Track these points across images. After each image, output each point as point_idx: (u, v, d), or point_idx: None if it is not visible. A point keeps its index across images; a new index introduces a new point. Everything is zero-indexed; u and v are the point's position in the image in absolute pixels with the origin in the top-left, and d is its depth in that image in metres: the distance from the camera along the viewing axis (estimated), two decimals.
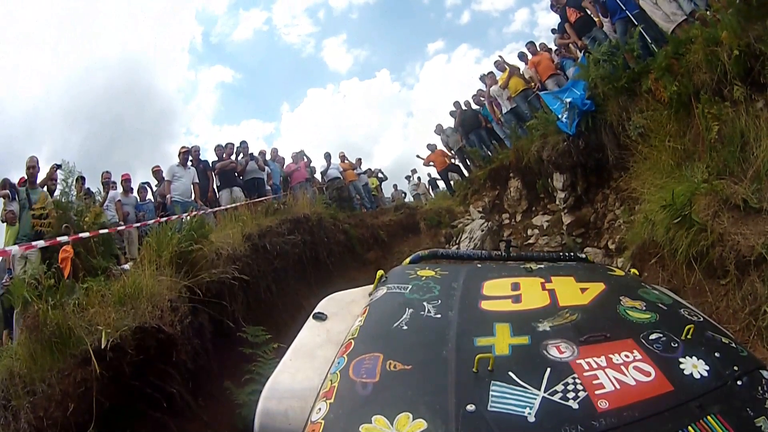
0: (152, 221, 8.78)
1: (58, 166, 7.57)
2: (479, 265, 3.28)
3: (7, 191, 7.27)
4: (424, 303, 2.28)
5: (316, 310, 2.64)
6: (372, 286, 2.76)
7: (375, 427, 1.47)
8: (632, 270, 3.39)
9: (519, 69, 10.62)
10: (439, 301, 2.29)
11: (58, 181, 7.46)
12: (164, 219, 8.42)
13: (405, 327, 2.07)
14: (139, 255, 5.79)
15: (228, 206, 9.42)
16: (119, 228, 7.80)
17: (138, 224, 8.52)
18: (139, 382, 4.24)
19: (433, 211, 12.34)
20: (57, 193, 7.36)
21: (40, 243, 5.74)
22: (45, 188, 7.47)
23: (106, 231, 6.58)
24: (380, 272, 2.82)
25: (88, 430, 3.73)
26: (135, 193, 9.99)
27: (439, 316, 2.15)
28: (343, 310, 2.65)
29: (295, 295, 7.79)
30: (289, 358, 2.26)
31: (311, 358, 2.20)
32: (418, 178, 18.13)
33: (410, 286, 2.51)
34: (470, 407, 1.50)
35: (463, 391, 1.58)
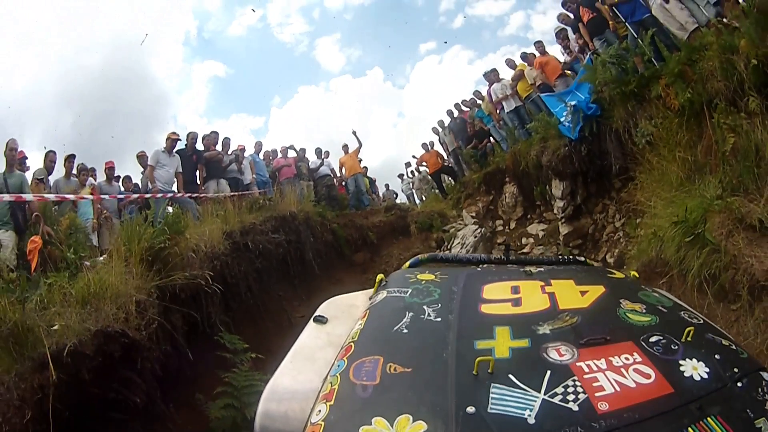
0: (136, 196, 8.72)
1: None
2: (479, 269, 3.28)
3: None
4: (425, 307, 2.28)
5: (316, 313, 2.65)
6: (372, 290, 2.75)
7: (375, 429, 1.47)
8: (632, 273, 3.33)
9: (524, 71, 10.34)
10: (439, 305, 2.29)
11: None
12: (148, 195, 8.24)
13: (405, 330, 2.08)
14: (107, 250, 5.42)
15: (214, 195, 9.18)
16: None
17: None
18: (101, 389, 3.94)
19: (424, 214, 12.05)
20: None
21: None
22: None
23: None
24: (380, 276, 2.82)
25: None
26: (119, 183, 9.63)
27: (439, 319, 2.16)
28: (344, 313, 2.66)
29: (277, 297, 7.46)
30: (290, 360, 2.23)
31: (312, 361, 2.19)
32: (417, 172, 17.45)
33: (410, 290, 2.50)
34: (470, 409, 1.51)
35: (463, 394, 1.59)
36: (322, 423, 1.57)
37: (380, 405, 1.59)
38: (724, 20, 6.33)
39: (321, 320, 2.56)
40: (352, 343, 2.03)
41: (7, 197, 5.96)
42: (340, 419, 1.58)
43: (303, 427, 1.72)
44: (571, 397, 1.54)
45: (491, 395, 1.56)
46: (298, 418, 1.83)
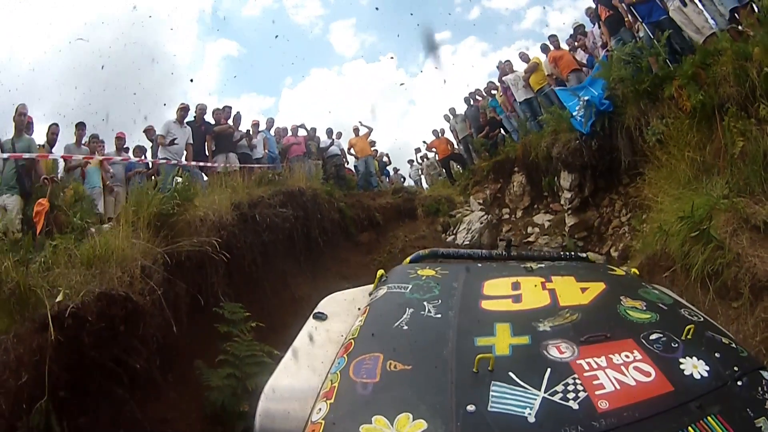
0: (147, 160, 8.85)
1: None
2: (479, 265, 3.27)
3: None
4: (425, 303, 2.28)
5: (316, 310, 2.64)
6: (372, 286, 2.77)
7: (375, 428, 1.47)
8: (633, 270, 3.39)
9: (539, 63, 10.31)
10: (440, 301, 2.29)
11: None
12: (163, 161, 8.34)
13: (405, 327, 2.08)
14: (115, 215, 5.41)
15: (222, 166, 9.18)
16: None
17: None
18: (101, 353, 3.84)
19: (432, 198, 12.07)
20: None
21: None
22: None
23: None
24: (381, 272, 2.84)
25: (40, 401, 3.36)
26: (130, 153, 9.53)
27: (439, 315, 2.16)
28: (344, 309, 2.66)
29: (281, 271, 7.45)
30: (290, 358, 2.24)
31: (311, 358, 2.20)
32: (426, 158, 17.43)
33: (410, 286, 2.51)
34: (470, 407, 1.50)
35: (463, 392, 1.59)
36: (323, 422, 1.58)
37: (380, 403, 1.60)
38: (739, 27, 6.38)
39: (321, 317, 2.56)
40: (352, 340, 2.03)
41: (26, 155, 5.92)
42: (340, 418, 1.58)
43: (303, 426, 1.72)
44: (571, 396, 1.54)
45: (491, 393, 1.56)
46: (299, 417, 1.83)
